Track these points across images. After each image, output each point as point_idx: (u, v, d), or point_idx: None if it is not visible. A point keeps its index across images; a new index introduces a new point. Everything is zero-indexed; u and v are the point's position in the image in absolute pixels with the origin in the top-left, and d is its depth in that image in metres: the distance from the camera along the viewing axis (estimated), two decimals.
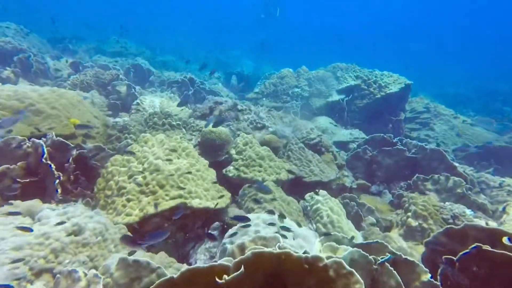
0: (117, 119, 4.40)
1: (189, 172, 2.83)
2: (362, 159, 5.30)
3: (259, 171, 3.67)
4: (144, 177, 2.51)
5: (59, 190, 2.15)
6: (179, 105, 4.29)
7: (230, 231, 2.37)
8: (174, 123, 3.89)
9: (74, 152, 2.47)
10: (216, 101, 4.73)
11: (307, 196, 3.43)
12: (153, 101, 5.57)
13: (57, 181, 2.14)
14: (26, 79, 6.62)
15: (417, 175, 4.51)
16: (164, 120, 3.85)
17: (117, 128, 3.71)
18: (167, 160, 2.82)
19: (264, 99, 9.70)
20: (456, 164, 4.58)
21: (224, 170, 3.75)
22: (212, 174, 3.33)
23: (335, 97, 8.28)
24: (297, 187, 3.95)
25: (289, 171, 3.77)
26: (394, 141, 5.24)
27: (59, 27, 16.25)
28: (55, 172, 2.15)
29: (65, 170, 2.39)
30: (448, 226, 2.25)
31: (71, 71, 6.95)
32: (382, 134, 5.40)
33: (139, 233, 2.39)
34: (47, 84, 6.87)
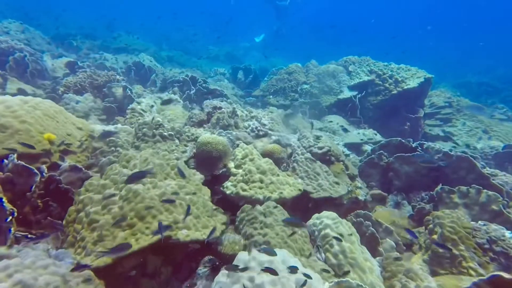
0: (109, 127, 4.04)
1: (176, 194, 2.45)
2: (377, 166, 4.79)
3: (260, 188, 3.25)
4: (121, 207, 2.13)
5: (13, 229, 1.80)
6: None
7: (220, 276, 1.98)
8: (165, 133, 3.50)
9: (38, 178, 2.12)
10: (214, 106, 4.31)
11: (314, 218, 2.99)
12: (149, 104, 5.21)
13: (10, 218, 1.79)
14: (22, 80, 6.37)
15: (441, 185, 3.98)
16: (154, 130, 3.46)
17: (103, 140, 3.35)
18: (151, 183, 2.43)
19: (271, 96, 9.21)
20: (488, 173, 4.01)
21: (221, 186, 3.35)
22: (206, 194, 2.94)
23: (347, 93, 7.70)
24: (303, 204, 3.52)
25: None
26: (413, 146, 4.69)
27: (66, 23, 16.05)
28: (8, 207, 1.81)
29: (28, 200, 2.05)
30: (495, 273, 1.78)
31: (67, 71, 6.67)
32: (399, 138, 4.85)
33: (113, 277, 2.03)
34: (44, 85, 6.62)
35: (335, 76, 8.23)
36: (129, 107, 4.99)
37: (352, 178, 4.14)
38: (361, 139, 6.56)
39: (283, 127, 4.32)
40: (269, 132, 4.06)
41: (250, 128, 4.04)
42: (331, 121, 7.15)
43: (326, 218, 2.90)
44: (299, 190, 3.38)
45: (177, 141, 3.53)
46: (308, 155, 3.76)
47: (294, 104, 7.99)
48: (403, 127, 7.13)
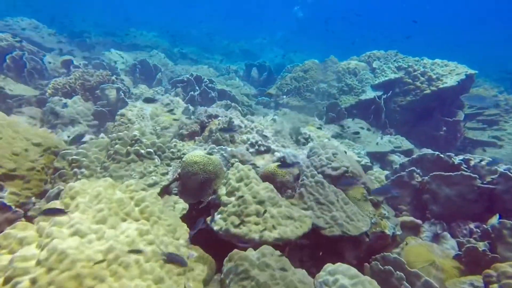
0: (87, 137, 3.46)
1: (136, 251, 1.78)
2: (408, 186, 3.89)
3: (256, 224, 2.52)
4: (33, 281, 1.47)
5: None
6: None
7: None
8: (143, 151, 2.84)
9: None
10: (209, 114, 3.61)
11: (326, 272, 2.22)
12: (142, 109, 4.62)
13: None
14: (19, 80, 6.02)
15: (498, 217, 3.06)
16: (129, 147, 2.82)
17: (66, 159, 2.76)
18: (96, 232, 1.77)
19: (285, 96, 8.39)
20: None
21: (208, 220, 2.66)
22: (182, 237, 2.25)
23: (370, 94, 6.74)
24: (312, 242, 2.75)
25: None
26: (456, 162, 3.75)
27: (84, 20, 15.95)
28: None
29: None
30: None
31: (64, 70, 6.24)
32: (436, 152, 3.91)
33: None
34: (42, 85, 6.24)
35: (357, 74, 7.27)
36: (118, 113, 4.43)
37: (376, 204, 3.30)
38: (388, 147, 5.62)
39: (289, 140, 3.54)
40: (273, 147, 3.30)
41: (250, 142, 3.30)
42: (350, 126, 6.25)
43: (342, 276, 2.12)
44: (307, 226, 2.61)
45: (157, 160, 2.86)
46: (320, 177, 2.97)
47: (309, 106, 7.15)
48: (438, 132, 6.08)
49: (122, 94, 4.84)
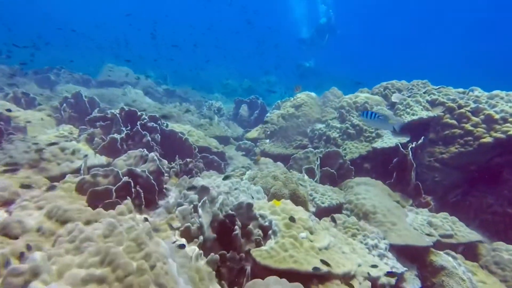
0: None
1: None
2: None
3: None
4: None
5: None
6: None
7: None
8: None
9: None
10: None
11: None
12: None
13: None
14: None
15: None
16: None
17: None
18: None
19: (268, 141, 6.13)
20: None
21: None
22: None
23: (389, 140, 4.34)
24: None
25: None
26: None
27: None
28: None
29: None
30: None
31: None
32: None
33: None
34: None
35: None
36: None
37: None
38: (428, 238, 3.02)
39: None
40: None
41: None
42: (360, 192, 3.74)
43: None
44: None
45: None
46: None
47: (296, 156, 4.79)
48: None
49: None
